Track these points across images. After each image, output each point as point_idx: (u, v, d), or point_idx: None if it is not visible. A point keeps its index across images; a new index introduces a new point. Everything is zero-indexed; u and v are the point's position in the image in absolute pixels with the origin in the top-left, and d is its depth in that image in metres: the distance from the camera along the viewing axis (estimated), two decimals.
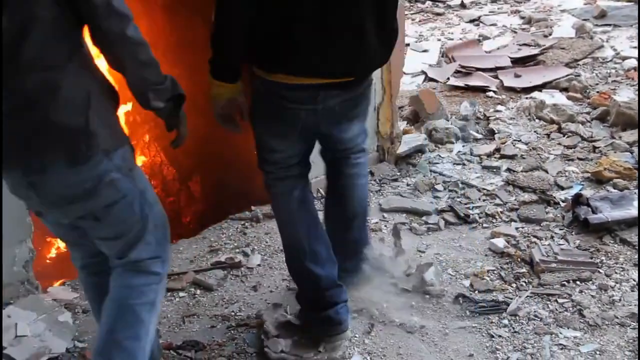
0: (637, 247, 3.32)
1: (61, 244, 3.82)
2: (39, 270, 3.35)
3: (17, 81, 1.97)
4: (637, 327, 2.86)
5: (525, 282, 3.19)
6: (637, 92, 4.96)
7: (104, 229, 2.22)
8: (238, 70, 2.45)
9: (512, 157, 4.27)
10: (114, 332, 2.24)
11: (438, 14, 7.44)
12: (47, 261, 3.82)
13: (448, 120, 4.72)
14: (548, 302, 3.06)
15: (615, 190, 3.79)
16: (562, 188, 3.92)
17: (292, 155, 2.70)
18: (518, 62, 5.83)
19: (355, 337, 2.90)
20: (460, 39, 6.63)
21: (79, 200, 2.12)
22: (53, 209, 2.20)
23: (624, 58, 5.70)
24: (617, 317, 2.93)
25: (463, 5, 7.59)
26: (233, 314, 3.09)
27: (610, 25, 6.49)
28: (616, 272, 3.20)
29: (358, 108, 2.69)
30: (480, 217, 3.71)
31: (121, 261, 2.28)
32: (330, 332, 2.79)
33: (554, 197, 3.81)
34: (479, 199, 3.88)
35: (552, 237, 3.48)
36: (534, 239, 3.46)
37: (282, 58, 2.38)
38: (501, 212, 3.73)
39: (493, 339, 2.87)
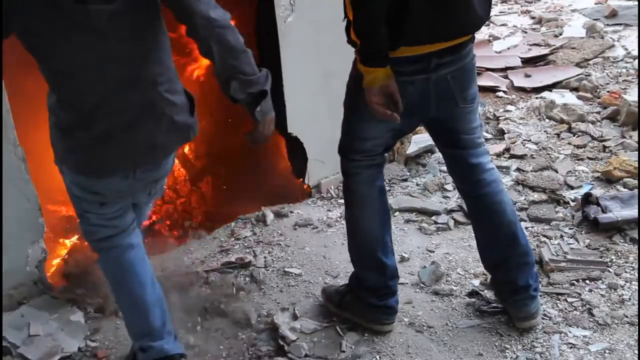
0: None
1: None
2: (52, 270, 3.39)
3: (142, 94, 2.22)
4: None
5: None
6: None
7: (152, 198, 2.62)
8: (387, 53, 2.44)
9: (521, 157, 4.27)
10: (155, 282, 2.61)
11: None
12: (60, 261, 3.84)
13: None
14: (557, 301, 3.06)
15: (625, 190, 3.78)
16: (572, 187, 3.91)
17: (382, 144, 2.76)
18: (528, 62, 5.81)
19: (365, 336, 2.91)
20: None
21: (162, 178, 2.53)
22: (139, 192, 2.50)
23: (635, 57, 5.68)
24: (627, 316, 2.93)
25: None
26: (243, 313, 3.11)
27: (621, 24, 6.45)
28: (626, 272, 3.19)
29: (466, 86, 2.66)
30: None
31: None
32: (388, 321, 2.92)
33: (564, 197, 3.81)
34: None
35: (561, 236, 3.48)
36: (544, 239, 3.46)
37: (401, 31, 2.40)
38: None
39: (502, 337, 2.87)
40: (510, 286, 2.87)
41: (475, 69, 2.72)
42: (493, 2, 7.43)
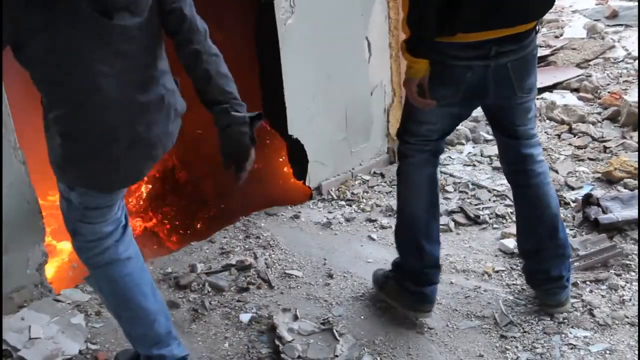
0: None
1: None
2: (52, 273, 3.39)
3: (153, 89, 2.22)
4: None
5: None
6: None
7: None
8: (431, 44, 2.51)
9: None
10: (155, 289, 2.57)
11: None
12: (60, 264, 3.85)
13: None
14: None
15: (626, 190, 3.78)
16: (573, 188, 3.92)
17: (438, 130, 2.79)
18: None
19: (365, 338, 2.91)
20: None
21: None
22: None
23: (636, 58, 5.68)
24: (628, 317, 2.93)
25: None
26: (244, 315, 3.11)
27: (621, 25, 6.46)
28: (626, 272, 3.19)
29: (525, 76, 2.67)
30: (490, 218, 3.72)
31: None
32: (421, 309, 2.95)
33: (564, 198, 3.81)
34: (489, 200, 3.89)
35: (574, 236, 3.48)
36: None
37: (461, 16, 2.43)
38: (511, 212, 3.73)
39: (503, 339, 2.87)
40: (543, 275, 2.94)
41: (536, 60, 2.73)
42: None
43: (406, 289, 2.96)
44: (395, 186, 3.99)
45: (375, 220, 3.77)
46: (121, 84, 2.14)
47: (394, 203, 3.83)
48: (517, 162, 2.88)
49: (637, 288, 3.08)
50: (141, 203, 4.72)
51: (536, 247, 2.93)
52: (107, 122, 2.18)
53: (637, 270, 3.19)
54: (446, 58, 2.54)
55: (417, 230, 2.89)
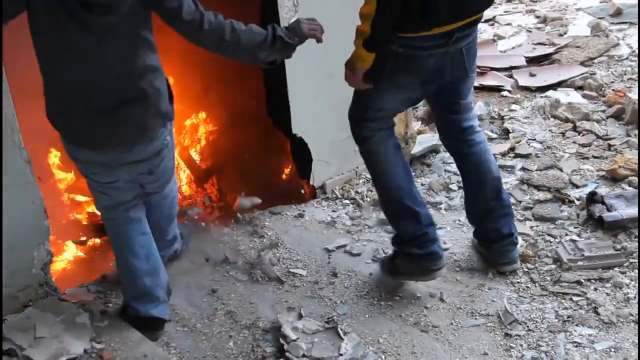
0: None
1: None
2: (57, 273, 3.40)
3: (133, 81, 2.55)
4: None
5: (541, 280, 3.19)
6: None
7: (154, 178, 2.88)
8: (394, 40, 2.78)
9: (526, 156, 4.27)
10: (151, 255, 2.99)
11: None
12: (65, 263, 3.85)
13: None
14: (563, 301, 3.05)
15: (630, 188, 3.77)
16: (577, 186, 3.91)
17: (393, 112, 3.08)
18: (533, 61, 5.80)
19: (369, 336, 2.91)
20: None
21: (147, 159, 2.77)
22: (123, 172, 2.77)
23: None
24: (632, 315, 2.93)
25: None
26: (249, 314, 3.11)
27: (626, 23, 6.43)
28: (631, 270, 3.19)
29: (474, 57, 3.00)
30: None
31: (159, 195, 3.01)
32: (436, 267, 3.07)
33: (569, 196, 3.80)
34: None
35: (566, 234, 3.47)
36: (549, 238, 3.46)
37: (439, 12, 2.68)
38: (515, 210, 3.73)
39: (507, 337, 2.87)
40: (496, 234, 3.21)
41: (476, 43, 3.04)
42: (497, 2, 7.47)
43: (414, 255, 3.05)
44: None
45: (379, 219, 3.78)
46: (101, 65, 2.51)
47: None
48: (458, 134, 3.15)
49: None
50: None
51: (486, 208, 3.19)
52: (84, 89, 2.55)
53: None
54: (410, 50, 2.78)
55: (404, 196, 3.04)
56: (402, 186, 3.05)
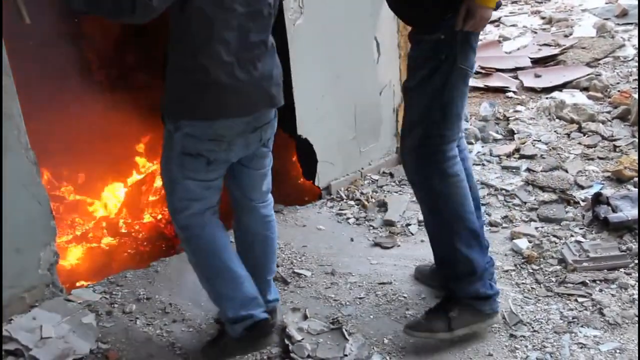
0: None
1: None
2: (63, 273, 3.41)
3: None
4: None
5: (546, 281, 3.19)
6: None
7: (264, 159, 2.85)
8: None
9: (531, 157, 4.27)
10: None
11: None
12: (71, 264, 3.87)
13: (467, 121, 4.72)
14: (568, 302, 3.05)
15: (636, 189, 3.77)
16: (582, 187, 3.91)
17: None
18: (538, 62, 5.81)
19: (374, 337, 2.92)
20: (480, 40, 6.61)
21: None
22: (255, 136, 2.68)
23: None
24: (637, 316, 2.92)
25: None
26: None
27: (632, 24, 6.44)
28: (636, 271, 3.18)
29: None
30: (501, 218, 3.71)
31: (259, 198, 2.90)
32: (497, 304, 2.88)
33: (574, 197, 3.80)
34: (499, 200, 3.88)
35: (571, 235, 3.47)
36: (554, 239, 3.46)
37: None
38: (520, 212, 3.73)
39: (512, 338, 2.87)
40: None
41: None
42: (504, 3, 7.46)
43: (480, 299, 2.82)
44: (403, 186, 4.03)
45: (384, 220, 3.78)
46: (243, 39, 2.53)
47: (402, 202, 3.85)
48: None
49: None
50: (149, 200, 4.73)
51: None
52: (227, 62, 2.49)
53: None
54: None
55: (472, 226, 2.78)
56: (473, 216, 2.81)
